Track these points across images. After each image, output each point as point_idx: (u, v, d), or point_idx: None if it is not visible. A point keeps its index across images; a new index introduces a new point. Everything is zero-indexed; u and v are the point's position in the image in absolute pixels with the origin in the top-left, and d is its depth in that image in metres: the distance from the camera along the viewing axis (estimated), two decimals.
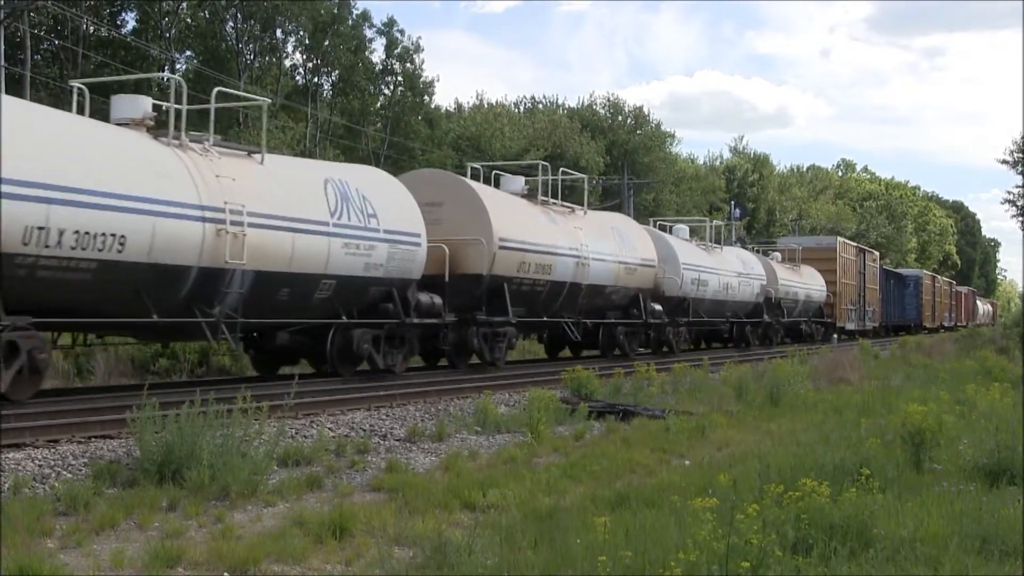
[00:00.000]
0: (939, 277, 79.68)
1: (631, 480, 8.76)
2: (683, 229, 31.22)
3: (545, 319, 21.62)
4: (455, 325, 18.47)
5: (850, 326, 46.49)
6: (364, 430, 11.61)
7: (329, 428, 11.46)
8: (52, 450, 9.22)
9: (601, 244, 23.50)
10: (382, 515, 7.11)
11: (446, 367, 19.46)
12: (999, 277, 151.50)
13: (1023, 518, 6.46)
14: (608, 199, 51.64)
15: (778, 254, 41.11)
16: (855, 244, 51.79)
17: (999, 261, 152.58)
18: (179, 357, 19.31)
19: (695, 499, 6.01)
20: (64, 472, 8.45)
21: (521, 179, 22.77)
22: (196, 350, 19.48)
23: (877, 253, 58.20)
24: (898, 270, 70.73)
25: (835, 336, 43.07)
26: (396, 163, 40.82)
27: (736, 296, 32.59)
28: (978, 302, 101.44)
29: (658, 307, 26.70)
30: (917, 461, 8.63)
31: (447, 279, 18.23)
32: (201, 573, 5.86)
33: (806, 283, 40.95)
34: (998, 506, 6.90)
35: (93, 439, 9.92)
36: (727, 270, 31.94)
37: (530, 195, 22.57)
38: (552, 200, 22.86)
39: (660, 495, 7.52)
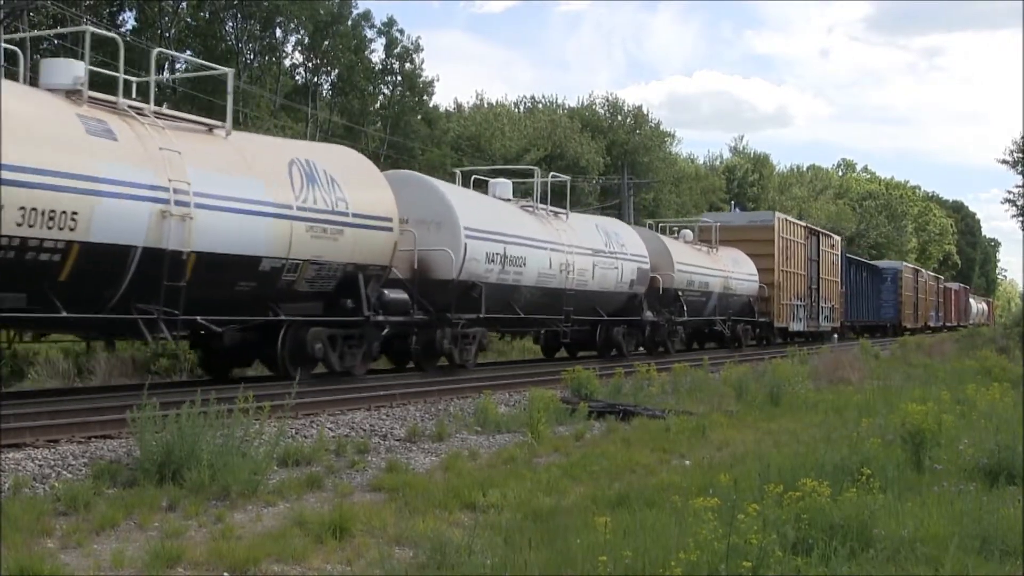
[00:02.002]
0: (924, 271, 71.54)
1: (631, 480, 8.76)
2: (506, 185, 22.58)
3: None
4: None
5: (795, 326, 37.05)
6: (364, 430, 11.61)
7: (329, 428, 11.45)
8: (52, 450, 9.22)
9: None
10: (382, 515, 7.11)
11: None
12: (999, 277, 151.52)
13: (1023, 518, 6.46)
14: (608, 199, 51.66)
15: (688, 232, 32.53)
16: (804, 224, 40.53)
17: (999, 261, 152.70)
18: (179, 357, 19.29)
19: (696, 499, 6.02)
20: (64, 472, 8.45)
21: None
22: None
23: (838, 238, 47.14)
24: (873, 262, 62.40)
25: (835, 336, 42.46)
26: (396, 163, 40.81)
27: (589, 284, 22.99)
28: (972, 300, 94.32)
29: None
30: (917, 461, 8.62)
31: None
32: (201, 573, 5.86)
33: (725, 270, 31.68)
34: (998, 506, 6.90)
35: (93, 439, 9.92)
36: (566, 245, 22.10)
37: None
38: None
39: (660, 495, 7.51)
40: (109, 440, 9.88)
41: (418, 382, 16.20)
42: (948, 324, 75.04)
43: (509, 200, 22.15)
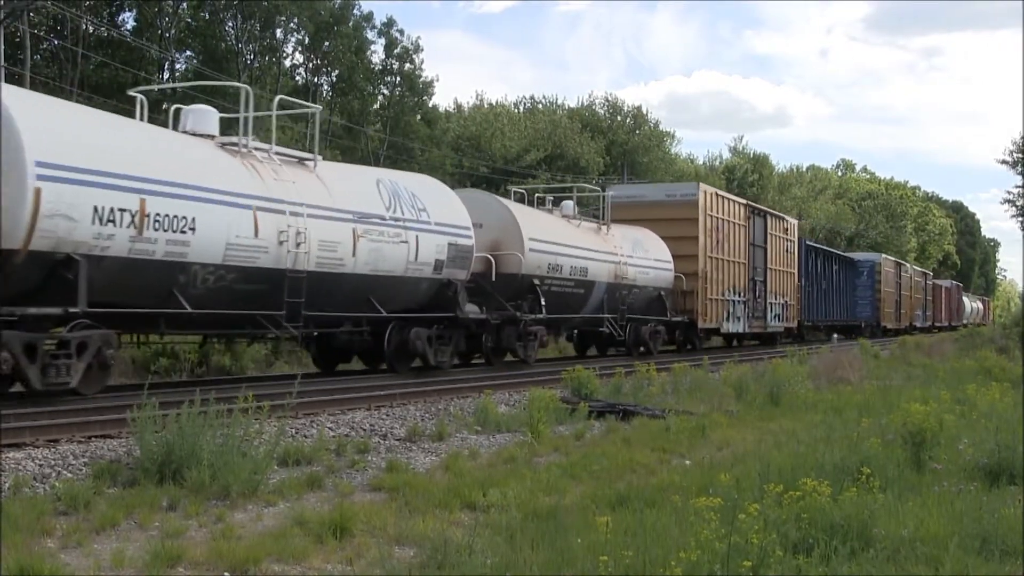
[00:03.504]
0: (909, 265, 64.82)
1: (632, 480, 8.76)
2: (207, 113, 15.17)
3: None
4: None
5: (731, 327, 30.38)
6: (364, 430, 11.61)
7: (329, 428, 11.45)
8: (52, 450, 9.22)
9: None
10: (382, 515, 7.11)
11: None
12: (999, 277, 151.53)
13: (1023, 518, 6.46)
14: None
15: (568, 203, 25.46)
16: (743, 201, 33.01)
17: (999, 261, 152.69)
18: (179, 357, 19.30)
19: (696, 499, 6.02)
20: (64, 472, 8.45)
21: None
22: (196, 350, 19.46)
23: (794, 221, 39.13)
24: (848, 253, 55.55)
25: (835, 336, 42.07)
26: (395, 163, 40.84)
27: (347, 265, 15.65)
28: (966, 299, 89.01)
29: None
30: (917, 461, 8.63)
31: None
32: (201, 573, 5.86)
33: (616, 254, 24.56)
34: (998, 506, 6.90)
35: (93, 439, 9.92)
36: (323, 209, 15.25)
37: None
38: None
39: (661, 495, 7.51)
40: (109, 440, 9.87)
41: (415, 382, 16.19)
42: (937, 324, 69.63)
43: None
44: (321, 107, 19.31)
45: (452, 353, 18.59)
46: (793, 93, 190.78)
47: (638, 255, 25.81)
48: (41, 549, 6.09)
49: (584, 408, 13.36)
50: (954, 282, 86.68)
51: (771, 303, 34.33)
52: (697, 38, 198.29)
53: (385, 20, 48.88)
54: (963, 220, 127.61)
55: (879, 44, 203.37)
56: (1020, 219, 52.18)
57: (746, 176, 75.87)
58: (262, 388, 12.45)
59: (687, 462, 9.86)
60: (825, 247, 50.52)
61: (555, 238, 22.27)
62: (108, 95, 32.65)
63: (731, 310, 30.32)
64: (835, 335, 42.08)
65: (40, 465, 8.57)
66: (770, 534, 5.34)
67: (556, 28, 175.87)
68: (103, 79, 34.89)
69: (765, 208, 37.47)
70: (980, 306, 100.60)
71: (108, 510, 7.02)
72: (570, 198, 26.38)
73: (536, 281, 21.10)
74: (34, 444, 9.39)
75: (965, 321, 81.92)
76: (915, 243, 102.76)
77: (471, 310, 18.93)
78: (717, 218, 29.34)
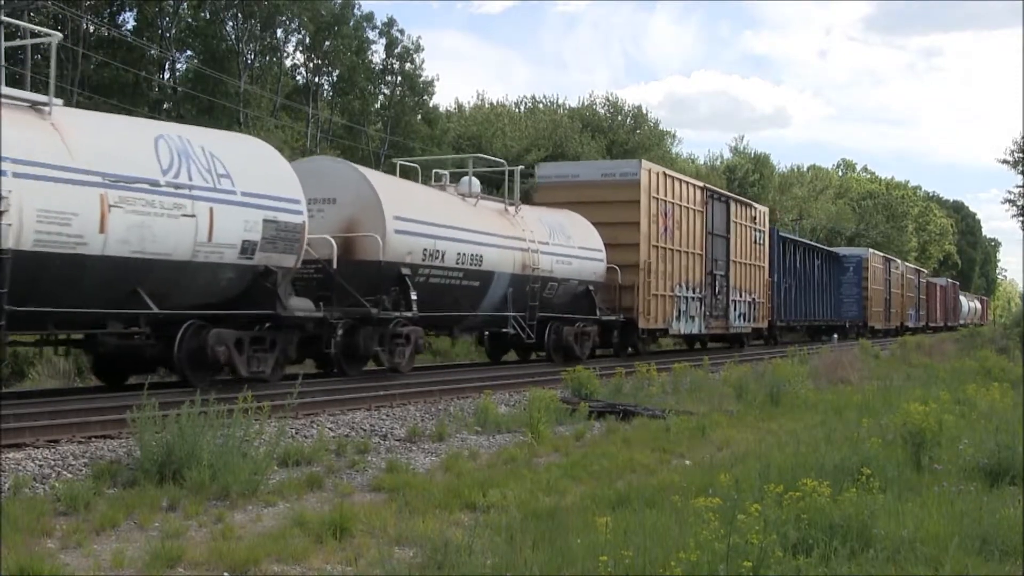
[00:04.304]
0: (899, 261, 60.24)
1: (632, 480, 8.76)
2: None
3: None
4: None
5: (682, 327, 26.55)
6: (364, 430, 11.61)
7: (329, 428, 11.45)
8: (52, 450, 9.22)
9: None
10: (382, 515, 7.11)
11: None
12: (999, 277, 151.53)
13: (1023, 518, 6.46)
14: None
15: (472, 180, 20.99)
16: (700, 183, 29.05)
17: (999, 261, 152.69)
18: None
19: (696, 499, 6.01)
20: (64, 472, 8.45)
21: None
22: None
23: (763, 209, 34.65)
24: (832, 248, 51.72)
25: (835, 336, 41.73)
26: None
27: (111, 247, 12.04)
28: (963, 298, 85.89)
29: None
30: (917, 461, 8.63)
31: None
32: (201, 573, 5.86)
33: (525, 239, 20.78)
34: (998, 506, 6.91)
35: (93, 439, 9.92)
36: (48, 167, 11.53)
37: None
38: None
39: (661, 495, 7.52)
40: (109, 440, 9.88)
41: (416, 382, 16.19)
42: (932, 324, 66.37)
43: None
44: (60, 35, 14.82)
45: (278, 362, 14.53)
46: (792, 93, 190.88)
47: (558, 242, 21.92)
48: (41, 549, 6.09)
49: (584, 408, 13.36)
50: (950, 280, 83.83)
51: (735, 300, 30.34)
52: (696, 38, 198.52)
53: (386, 20, 48.97)
54: (964, 220, 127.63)
55: (878, 44, 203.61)
56: (1020, 219, 52.08)
57: (747, 176, 75.87)
58: (262, 388, 12.45)
59: (687, 462, 9.86)
60: (804, 240, 45.95)
61: (436, 218, 18.13)
62: (108, 95, 32.66)
63: (683, 308, 26.32)
64: (835, 335, 41.81)
65: (40, 465, 8.57)
66: (770, 534, 5.34)
67: (555, 28, 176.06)
68: (103, 79, 34.89)
69: (727, 192, 32.94)
70: (978, 305, 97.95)
71: (108, 510, 7.03)
72: (494, 175, 22.70)
73: (405, 271, 17.08)
74: (34, 444, 9.39)
75: (962, 321, 79.43)
76: (916, 243, 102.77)
77: (300, 306, 14.91)
78: (665, 201, 25.21)
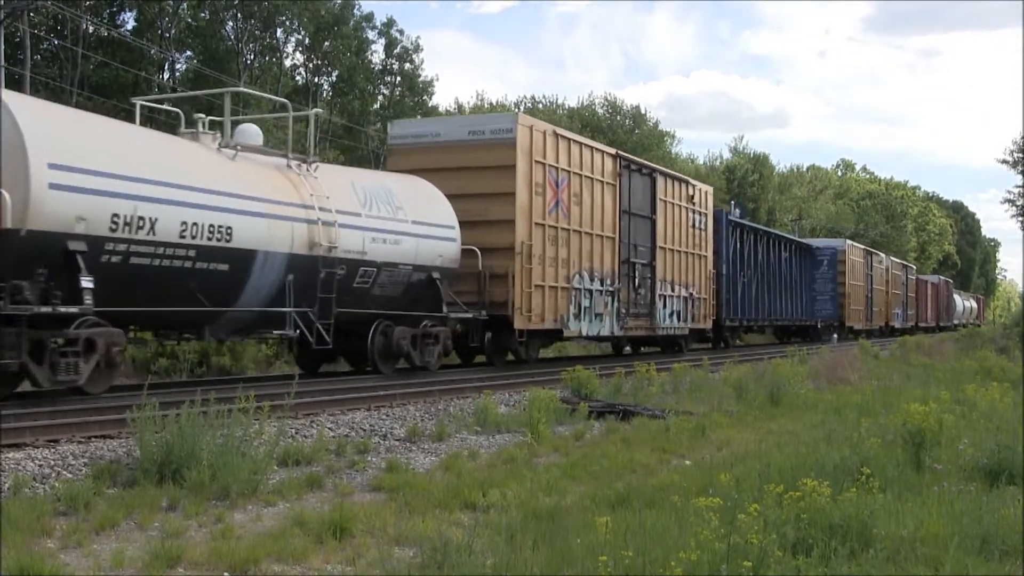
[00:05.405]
0: (883, 255, 55.30)
1: (631, 480, 8.76)
2: None
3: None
4: None
5: (585, 328, 21.72)
6: (364, 430, 11.61)
7: (329, 428, 11.45)
8: (52, 450, 9.22)
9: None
10: (382, 515, 7.11)
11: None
12: (999, 277, 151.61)
13: (1023, 518, 6.46)
14: None
15: (250, 128, 15.83)
16: (611, 150, 23.82)
17: (999, 261, 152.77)
18: (179, 357, 19.31)
19: (696, 499, 6.02)
20: (64, 472, 8.45)
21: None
22: (196, 350, 19.48)
23: (706, 188, 29.62)
24: (803, 239, 46.90)
25: (835, 336, 41.38)
26: None
27: None
28: (957, 297, 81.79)
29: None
30: (917, 461, 8.63)
31: None
32: (201, 573, 5.86)
33: (313, 208, 15.31)
34: (998, 506, 6.90)
35: (93, 439, 9.92)
36: None
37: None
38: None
39: (661, 495, 7.51)
40: (109, 440, 9.87)
41: (417, 382, 16.18)
42: (922, 324, 62.01)
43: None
44: None
45: None
46: (792, 93, 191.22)
47: (378, 214, 16.61)
48: (41, 549, 6.09)
49: (584, 408, 13.36)
50: (943, 278, 79.10)
51: (665, 296, 25.66)
52: (695, 38, 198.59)
53: (385, 20, 48.96)
54: (963, 220, 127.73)
55: (877, 44, 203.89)
56: (1020, 219, 52.13)
57: (747, 176, 75.92)
58: (262, 388, 12.45)
59: (687, 462, 9.85)
60: (765, 227, 40.37)
61: (140, 170, 12.73)
62: (108, 95, 32.67)
63: (585, 303, 21.54)
64: (835, 335, 41.51)
65: (40, 465, 8.57)
66: (770, 534, 5.34)
67: (554, 28, 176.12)
68: (103, 79, 34.90)
69: (652, 164, 27.33)
70: (974, 305, 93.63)
71: (108, 510, 7.02)
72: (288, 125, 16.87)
73: (76, 245, 11.76)
74: (34, 444, 9.39)
75: (956, 321, 75.77)
76: (915, 243, 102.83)
77: None
78: (558, 169, 20.59)
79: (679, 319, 26.87)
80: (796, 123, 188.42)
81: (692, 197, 27.76)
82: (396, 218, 17.13)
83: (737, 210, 44.29)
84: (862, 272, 47.70)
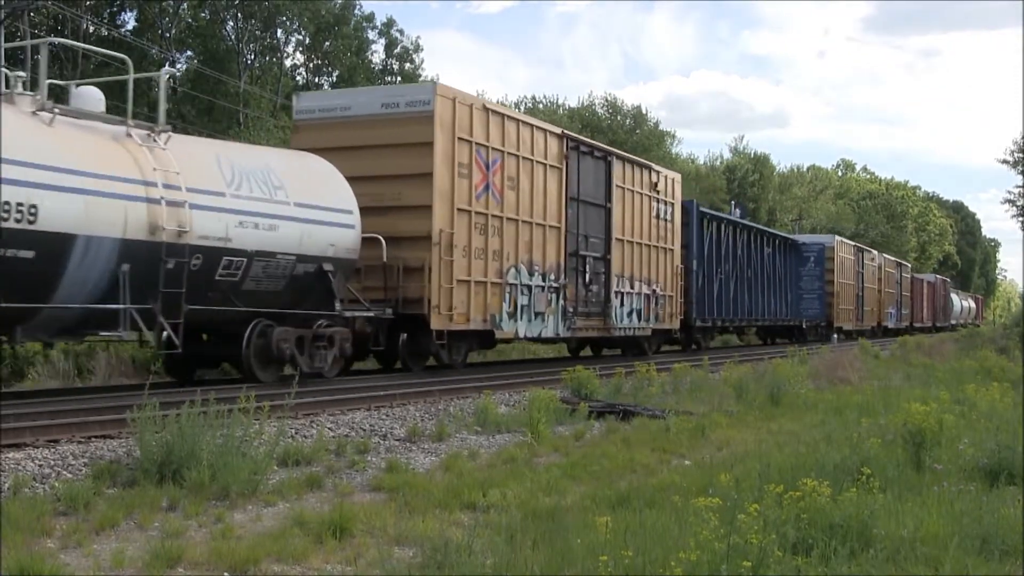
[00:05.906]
0: (875, 253, 52.97)
1: (632, 480, 8.76)
2: None
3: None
4: None
5: (523, 328, 19.53)
6: (364, 430, 11.61)
7: (329, 428, 11.45)
8: (52, 450, 9.22)
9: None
10: (382, 515, 7.11)
11: None
12: (999, 277, 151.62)
13: (1023, 518, 6.46)
14: None
15: (89, 91, 13.60)
16: (557, 130, 21.40)
17: (999, 261, 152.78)
18: None
19: (696, 499, 6.01)
20: (64, 472, 8.45)
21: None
22: None
23: (673, 175, 27.14)
24: (790, 235, 44.33)
25: (835, 336, 41.31)
26: None
27: None
28: (955, 296, 79.92)
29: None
30: (917, 461, 8.63)
31: None
32: (201, 573, 5.86)
33: (156, 185, 12.52)
34: (998, 506, 6.90)
35: (93, 439, 9.92)
36: None
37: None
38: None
39: (661, 495, 7.52)
40: (109, 440, 9.87)
41: (417, 382, 16.17)
42: (917, 324, 60.09)
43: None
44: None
45: None
46: (791, 93, 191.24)
47: (248, 194, 14.02)
48: (41, 549, 6.09)
49: (584, 408, 13.36)
50: (939, 276, 77.10)
51: (622, 293, 23.29)
52: (695, 38, 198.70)
53: (385, 20, 48.97)
54: (963, 220, 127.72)
55: (877, 44, 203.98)
56: (1020, 219, 52.10)
57: (747, 176, 75.93)
58: (262, 388, 12.45)
59: (687, 462, 9.85)
60: (743, 220, 36.89)
61: None
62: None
63: (522, 301, 19.34)
64: (835, 335, 41.42)
65: (40, 465, 8.57)
66: (770, 534, 5.34)
67: (553, 28, 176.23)
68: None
69: (606, 146, 24.72)
70: (972, 304, 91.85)
71: (108, 510, 7.02)
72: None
73: None
74: (34, 444, 9.38)
75: (953, 321, 74.06)
76: (915, 243, 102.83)
77: None
78: (488, 148, 18.34)
79: (640, 319, 24.28)
80: (796, 123, 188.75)
81: (656, 184, 25.09)
82: (274, 199, 14.41)
83: (737, 210, 43.53)
84: (852, 270, 45.54)
